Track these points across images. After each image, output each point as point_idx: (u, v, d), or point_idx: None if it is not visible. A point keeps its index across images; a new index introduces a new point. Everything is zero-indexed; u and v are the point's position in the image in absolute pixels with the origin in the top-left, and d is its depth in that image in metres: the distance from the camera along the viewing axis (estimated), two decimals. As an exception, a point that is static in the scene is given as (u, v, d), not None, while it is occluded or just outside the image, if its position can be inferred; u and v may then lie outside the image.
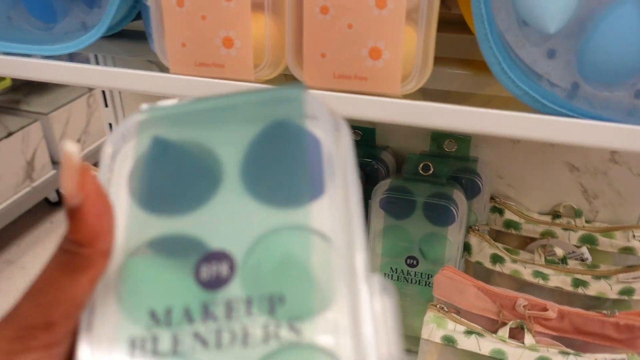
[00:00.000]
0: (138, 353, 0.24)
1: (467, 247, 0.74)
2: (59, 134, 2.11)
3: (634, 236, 0.74)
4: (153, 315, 0.25)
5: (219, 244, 0.26)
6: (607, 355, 0.58)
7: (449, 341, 0.62)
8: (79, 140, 2.25)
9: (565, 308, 0.63)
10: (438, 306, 0.65)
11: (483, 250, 0.74)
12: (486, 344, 0.60)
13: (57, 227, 2.47)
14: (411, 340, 0.77)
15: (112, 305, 0.25)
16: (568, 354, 0.58)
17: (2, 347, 0.23)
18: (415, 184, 0.72)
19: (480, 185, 0.76)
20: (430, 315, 0.64)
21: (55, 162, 2.17)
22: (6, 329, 0.23)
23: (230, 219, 0.27)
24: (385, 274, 0.74)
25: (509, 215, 0.79)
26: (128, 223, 0.26)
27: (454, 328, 0.63)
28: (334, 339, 0.24)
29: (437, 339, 0.62)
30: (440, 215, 0.70)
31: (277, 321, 0.24)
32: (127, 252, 0.26)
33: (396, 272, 0.74)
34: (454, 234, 0.71)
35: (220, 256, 0.26)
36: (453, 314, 0.64)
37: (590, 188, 0.78)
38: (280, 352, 0.24)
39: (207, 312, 0.25)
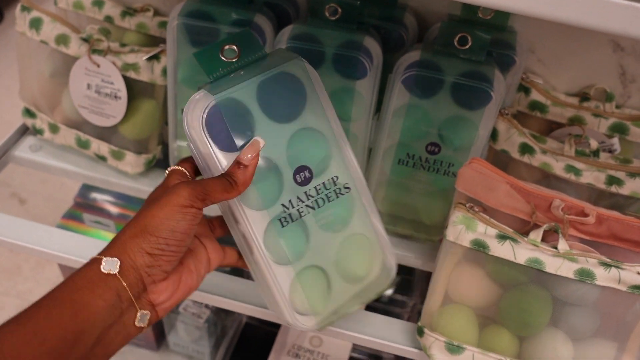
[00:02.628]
0: (285, 223, 0.51)
1: (492, 133, 0.66)
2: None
3: (668, 127, 0.68)
4: (283, 205, 0.51)
5: (298, 161, 0.52)
6: (650, 268, 0.54)
7: (479, 246, 0.56)
8: None
9: (604, 212, 0.57)
10: (467, 205, 0.58)
11: (511, 138, 0.66)
12: (522, 252, 0.54)
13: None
14: (414, 225, 0.71)
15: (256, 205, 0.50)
16: (609, 265, 0.54)
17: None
18: (448, 59, 0.60)
19: (515, 61, 0.65)
20: (458, 215, 0.57)
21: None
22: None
23: (280, 139, 0.51)
24: (399, 159, 0.65)
25: (535, 95, 0.71)
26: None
27: (485, 231, 0.56)
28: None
29: (466, 243, 0.56)
30: (473, 97, 0.60)
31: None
32: None
33: (412, 159, 0.65)
34: (487, 120, 0.62)
35: (304, 167, 0.52)
36: (483, 215, 0.57)
37: (629, 71, 0.69)
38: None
39: (307, 196, 0.52)
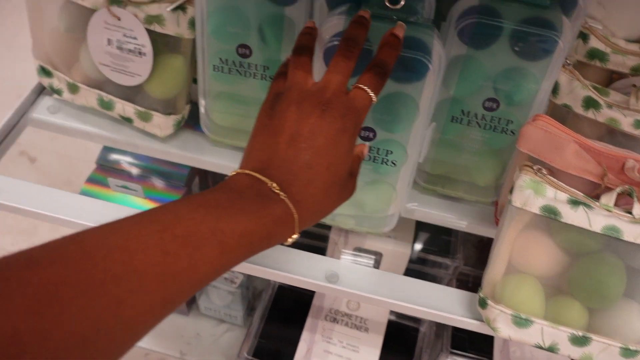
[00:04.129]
0: None
1: (553, 86, 0.60)
2: None
3: None
4: None
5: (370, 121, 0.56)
6: None
7: (550, 212, 0.51)
8: None
9: (684, 172, 0.52)
10: (535, 167, 0.53)
11: (574, 91, 0.60)
12: (597, 219, 0.50)
13: (-22, 5, 2.10)
14: (465, 186, 0.66)
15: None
16: (693, 233, 0.49)
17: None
18: (508, 5, 0.54)
19: (578, 4, 0.59)
20: (525, 179, 0.52)
21: None
22: None
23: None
24: (452, 117, 0.60)
25: (594, 42, 0.64)
26: None
27: (555, 196, 0.52)
28: None
29: (534, 209, 0.51)
30: (538, 47, 0.55)
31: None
32: None
33: (467, 116, 0.60)
34: (551, 72, 0.56)
35: (371, 129, 0.55)
36: (551, 178, 0.53)
37: (702, 13, 0.63)
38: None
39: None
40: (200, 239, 0.34)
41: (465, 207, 0.67)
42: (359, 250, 0.79)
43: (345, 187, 0.44)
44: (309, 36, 0.48)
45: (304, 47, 0.47)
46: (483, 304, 0.56)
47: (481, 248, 0.87)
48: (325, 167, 0.41)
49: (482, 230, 0.67)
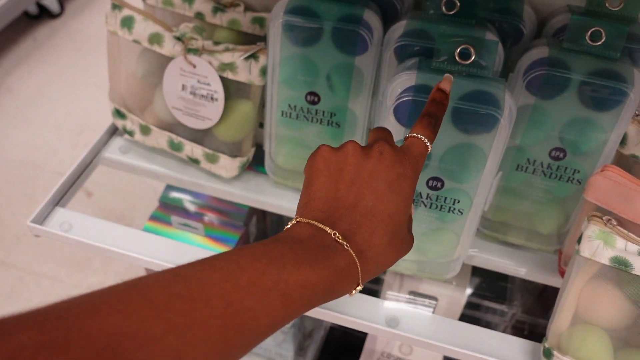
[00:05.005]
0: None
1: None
2: None
3: None
4: None
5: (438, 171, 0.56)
6: None
7: (620, 264, 0.51)
8: None
9: None
10: (604, 218, 0.53)
11: (642, 141, 0.60)
12: (671, 272, 0.49)
13: (40, 45, 2.21)
14: (527, 234, 0.66)
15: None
16: None
17: None
18: (578, 57, 0.55)
19: (646, 55, 0.59)
20: (594, 229, 0.52)
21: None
22: None
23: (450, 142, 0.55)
24: (518, 165, 0.61)
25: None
26: None
27: (625, 247, 0.51)
28: None
29: (604, 260, 0.51)
30: (606, 99, 0.55)
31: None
32: None
33: (533, 164, 0.60)
34: (621, 123, 0.56)
35: (438, 179, 0.57)
36: (621, 229, 0.52)
37: None
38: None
39: (428, 196, 0.58)
40: (264, 290, 0.33)
41: (525, 254, 0.67)
42: (414, 294, 0.79)
43: (405, 239, 0.43)
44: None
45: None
46: (548, 354, 0.55)
47: (538, 296, 0.86)
48: (387, 215, 0.40)
49: (543, 278, 0.66)
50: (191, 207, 0.82)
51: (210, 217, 0.82)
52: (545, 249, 0.66)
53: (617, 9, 0.59)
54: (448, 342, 0.60)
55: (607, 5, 0.59)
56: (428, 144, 0.43)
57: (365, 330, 0.64)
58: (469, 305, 0.83)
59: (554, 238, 0.65)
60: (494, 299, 0.81)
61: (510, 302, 0.80)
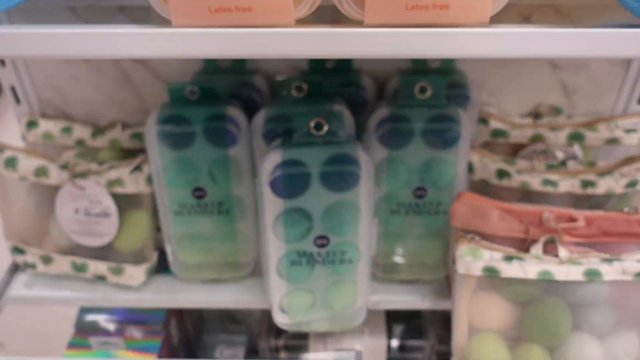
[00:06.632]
0: (295, 263, 0.64)
1: (468, 166, 0.70)
2: None
3: (617, 126, 0.74)
4: (298, 252, 0.63)
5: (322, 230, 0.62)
6: (646, 254, 0.58)
7: (490, 272, 0.59)
8: None
9: (590, 214, 0.62)
10: (468, 237, 0.61)
11: (486, 167, 0.70)
12: (531, 268, 0.58)
13: None
14: (417, 269, 0.74)
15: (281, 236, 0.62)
16: (610, 260, 0.58)
17: None
18: (413, 109, 0.65)
19: (470, 98, 0.71)
20: (463, 248, 0.60)
21: None
22: None
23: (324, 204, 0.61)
24: (391, 210, 0.69)
25: (494, 124, 0.76)
26: None
27: (491, 257, 0.60)
28: None
29: (477, 272, 0.59)
30: (445, 139, 0.65)
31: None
32: None
33: (403, 206, 0.69)
34: (462, 155, 0.66)
35: (324, 237, 0.63)
36: (484, 242, 0.61)
37: (569, 84, 0.76)
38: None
39: (318, 254, 0.64)
40: None
41: (423, 287, 0.74)
42: (340, 350, 0.83)
43: None
44: None
45: None
46: (457, 368, 0.61)
47: (449, 323, 0.92)
48: None
49: (443, 304, 0.73)
50: (108, 325, 0.83)
51: (128, 329, 0.83)
52: (437, 278, 0.74)
53: (437, 65, 0.71)
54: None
55: (428, 63, 0.71)
56: None
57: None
58: (394, 349, 0.88)
59: (441, 266, 0.73)
60: (412, 336, 0.87)
61: (426, 335, 0.86)
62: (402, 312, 0.78)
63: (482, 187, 0.71)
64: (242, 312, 1.04)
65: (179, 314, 0.92)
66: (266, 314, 0.87)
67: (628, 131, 0.74)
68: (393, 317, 0.88)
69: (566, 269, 0.57)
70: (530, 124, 0.76)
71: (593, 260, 0.58)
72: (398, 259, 0.72)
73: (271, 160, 0.60)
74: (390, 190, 0.68)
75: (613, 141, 0.74)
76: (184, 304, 0.74)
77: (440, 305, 0.73)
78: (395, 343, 0.86)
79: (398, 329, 0.88)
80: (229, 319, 1.06)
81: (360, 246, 0.64)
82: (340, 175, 0.59)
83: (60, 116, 0.79)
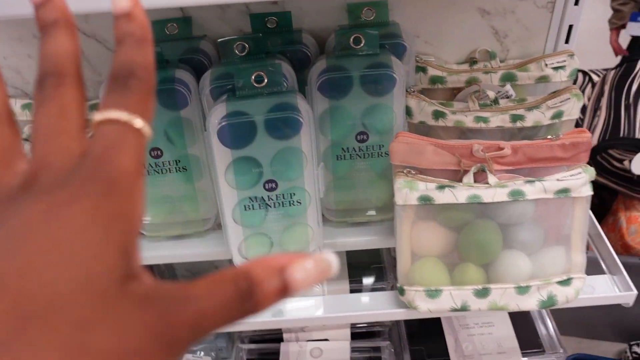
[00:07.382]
0: (248, 208, 0.69)
1: (407, 111, 0.75)
2: None
3: (545, 65, 0.79)
4: (249, 197, 0.69)
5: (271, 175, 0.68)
6: (565, 173, 0.64)
7: (425, 200, 0.64)
8: None
9: (516, 143, 0.67)
10: (405, 171, 0.66)
11: (423, 110, 0.75)
12: (461, 193, 0.63)
13: None
14: (370, 211, 0.79)
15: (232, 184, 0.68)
16: (533, 181, 0.63)
17: None
18: (349, 59, 0.70)
19: (406, 47, 0.76)
20: (400, 181, 0.65)
21: None
22: None
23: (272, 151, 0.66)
24: (337, 156, 0.74)
25: (432, 71, 0.81)
26: None
27: (426, 187, 0.65)
28: None
29: (414, 201, 0.64)
30: (382, 85, 0.70)
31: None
32: None
33: (348, 151, 0.73)
34: (398, 100, 0.71)
35: (272, 181, 0.68)
36: (420, 175, 0.66)
37: (500, 29, 0.81)
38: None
39: (268, 198, 0.68)
40: None
41: (374, 227, 0.79)
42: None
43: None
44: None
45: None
46: (401, 291, 0.67)
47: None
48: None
49: (394, 242, 0.79)
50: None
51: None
52: (387, 218, 0.79)
53: (371, 18, 0.76)
54: (337, 310, 0.70)
55: (362, 17, 0.76)
56: (142, 125, 0.23)
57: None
58: (355, 291, 0.94)
59: (389, 207, 0.78)
60: (376, 280, 0.93)
61: (387, 278, 0.92)
62: (364, 260, 0.84)
63: (421, 129, 0.76)
64: (211, 269, 1.09)
65: (150, 273, 0.96)
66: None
67: (556, 69, 0.79)
68: (354, 264, 0.93)
69: (493, 191, 0.63)
70: (466, 70, 0.81)
71: (518, 183, 0.63)
72: (349, 203, 0.77)
73: (217, 113, 0.64)
74: (335, 137, 0.73)
75: (543, 79, 0.79)
76: (152, 260, 0.79)
77: (392, 243, 0.78)
78: (357, 287, 0.92)
79: (361, 273, 0.94)
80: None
81: (308, 189, 0.69)
82: (282, 121, 0.64)
83: (21, 95, 0.82)
